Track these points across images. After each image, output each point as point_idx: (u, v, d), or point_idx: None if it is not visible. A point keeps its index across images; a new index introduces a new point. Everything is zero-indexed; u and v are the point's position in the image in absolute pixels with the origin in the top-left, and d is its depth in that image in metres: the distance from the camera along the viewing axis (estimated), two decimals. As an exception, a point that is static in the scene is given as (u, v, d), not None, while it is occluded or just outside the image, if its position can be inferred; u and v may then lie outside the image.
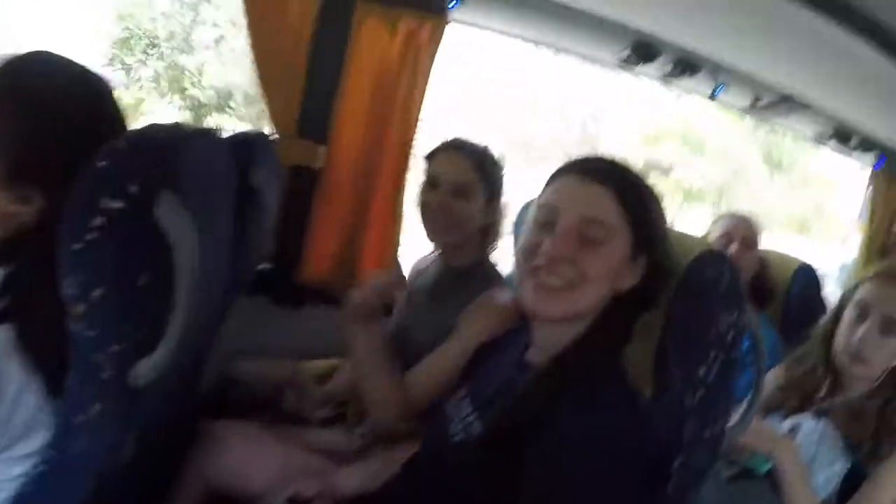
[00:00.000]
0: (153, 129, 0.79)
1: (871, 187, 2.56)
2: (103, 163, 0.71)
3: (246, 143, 1.21)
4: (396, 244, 1.92)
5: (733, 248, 1.88)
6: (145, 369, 0.80)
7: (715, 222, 2.03)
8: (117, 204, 0.70)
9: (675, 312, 0.98)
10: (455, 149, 1.46)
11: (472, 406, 1.01)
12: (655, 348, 1.00)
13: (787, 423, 1.43)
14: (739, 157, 10.74)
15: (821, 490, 1.36)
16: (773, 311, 1.95)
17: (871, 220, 2.59)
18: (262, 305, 1.86)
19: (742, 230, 1.93)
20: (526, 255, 0.95)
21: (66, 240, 0.72)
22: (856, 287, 1.47)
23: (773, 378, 1.53)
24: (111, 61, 7.46)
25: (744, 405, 1.15)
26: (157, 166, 0.74)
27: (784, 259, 1.99)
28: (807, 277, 1.92)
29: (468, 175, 1.42)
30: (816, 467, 1.37)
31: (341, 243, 1.88)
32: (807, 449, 1.38)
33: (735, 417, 1.13)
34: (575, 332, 0.95)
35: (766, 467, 1.28)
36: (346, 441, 1.46)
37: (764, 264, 1.95)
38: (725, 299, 0.96)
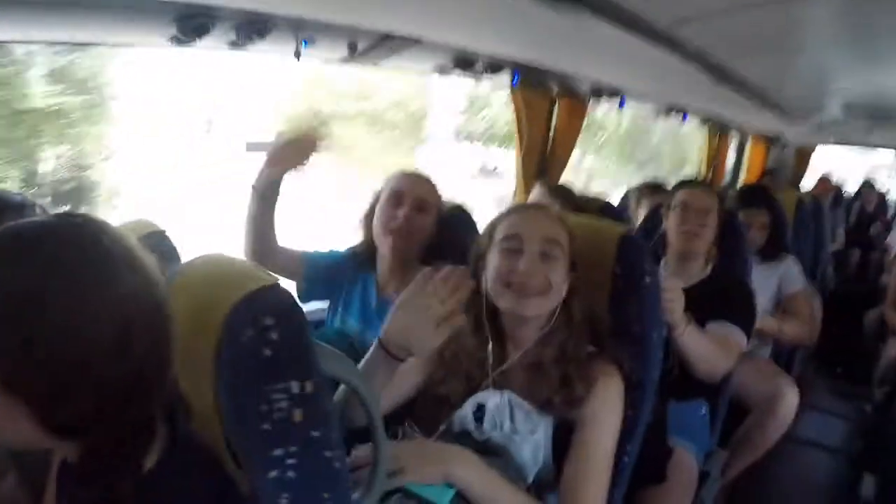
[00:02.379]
0: None
1: (513, 107, 2.56)
2: None
3: None
4: None
5: (402, 211, 1.66)
6: None
7: (386, 181, 1.77)
8: None
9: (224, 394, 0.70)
10: None
11: None
12: None
13: (469, 407, 1.26)
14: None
15: (531, 462, 1.24)
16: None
17: (522, 139, 2.59)
18: None
19: (416, 190, 1.70)
20: None
21: None
22: (491, 232, 1.32)
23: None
24: None
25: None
26: None
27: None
28: (461, 219, 1.78)
29: None
30: (519, 441, 1.23)
31: None
32: (503, 425, 1.24)
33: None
34: None
35: (449, 495, 1.07)
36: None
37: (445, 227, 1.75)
38: (279, 369, 0.69)
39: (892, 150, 8.21)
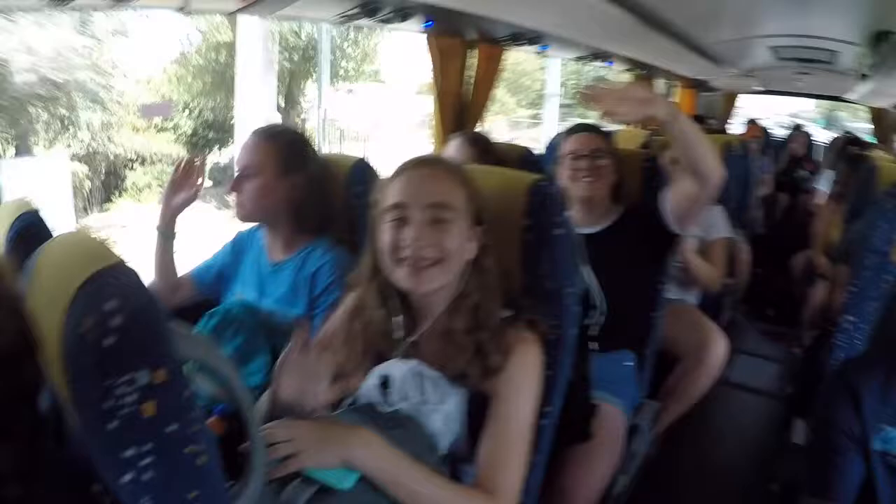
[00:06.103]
0: None
1: (429, 53, 2.47)
2: None
3: None
4: None
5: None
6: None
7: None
8: None
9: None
10: None
11: None
12: None
13: (374, 379, 1.23)
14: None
15: (444, 431, 1.21)
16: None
17: (438, 86, 2.50)
18: None
19: (244, 157, 1.65)
20: None
21: None
22: (379, 198, 1.25)
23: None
24: None
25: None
26: None
27: (340, 160, 1.76)
28: (364, 174, 1.71)
29: None
30: (428, 411, 1.20)
31: None
32: (412, 396, 1.21)
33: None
34: None
35: (352, 479, 1.02)
36: None
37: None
38: (123, 358, 0.62)
39: (814, 100, 8.59)
